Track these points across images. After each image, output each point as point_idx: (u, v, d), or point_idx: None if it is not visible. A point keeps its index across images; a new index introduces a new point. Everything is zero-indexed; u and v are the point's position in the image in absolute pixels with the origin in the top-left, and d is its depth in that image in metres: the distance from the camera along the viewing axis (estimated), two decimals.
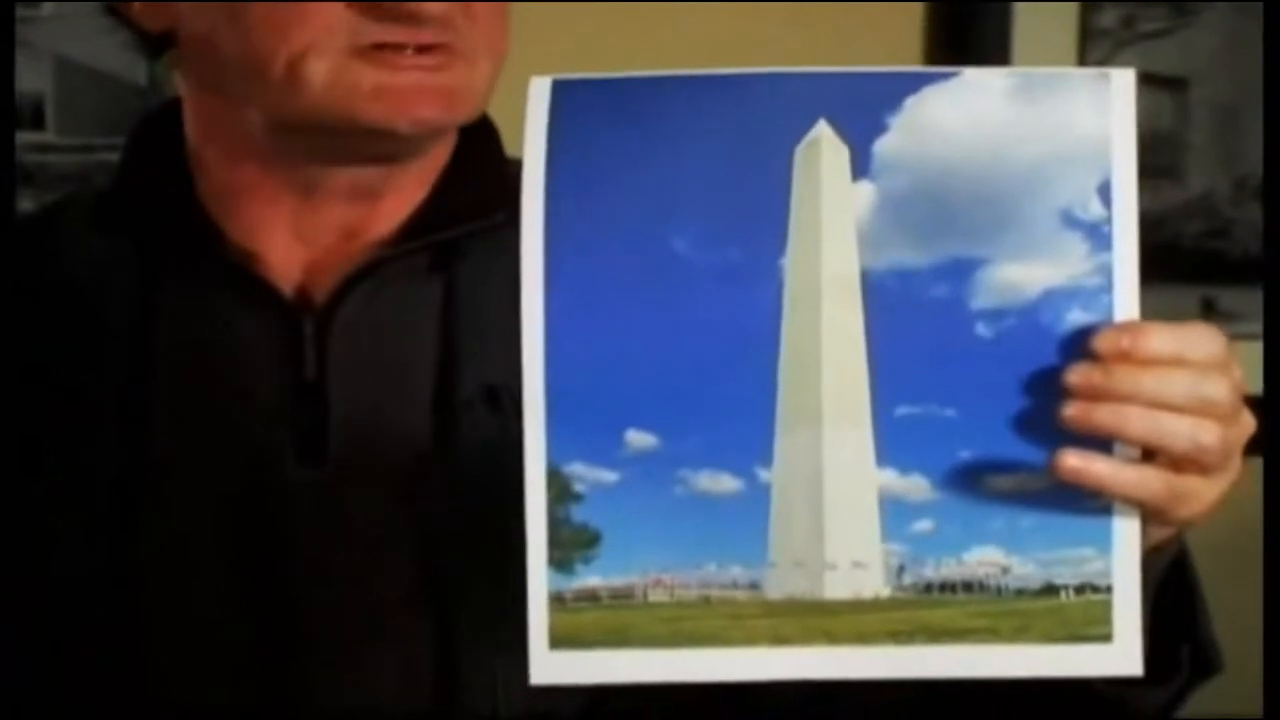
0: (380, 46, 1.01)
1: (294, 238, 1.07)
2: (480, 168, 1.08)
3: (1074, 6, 1.83)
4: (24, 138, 1.65)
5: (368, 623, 1.03)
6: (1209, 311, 1.87)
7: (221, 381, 1.05)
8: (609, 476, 0.90)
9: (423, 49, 1.01)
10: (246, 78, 1.03)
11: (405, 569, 1.03)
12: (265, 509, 1.04)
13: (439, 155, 1.09)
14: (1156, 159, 1.83)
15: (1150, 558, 0.93)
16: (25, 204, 1.57)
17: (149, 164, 1.10)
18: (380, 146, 1.04)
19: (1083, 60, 1.83)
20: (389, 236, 1.07)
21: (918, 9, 1.81)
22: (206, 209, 1.07)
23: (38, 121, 1.67)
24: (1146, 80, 1.86)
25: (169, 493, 1.04)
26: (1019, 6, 1.80)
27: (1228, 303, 1.87)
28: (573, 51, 1.69)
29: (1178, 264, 1.84)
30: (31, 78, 1.65)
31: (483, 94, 1.05)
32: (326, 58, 1.00)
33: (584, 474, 0.90)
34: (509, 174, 1.07)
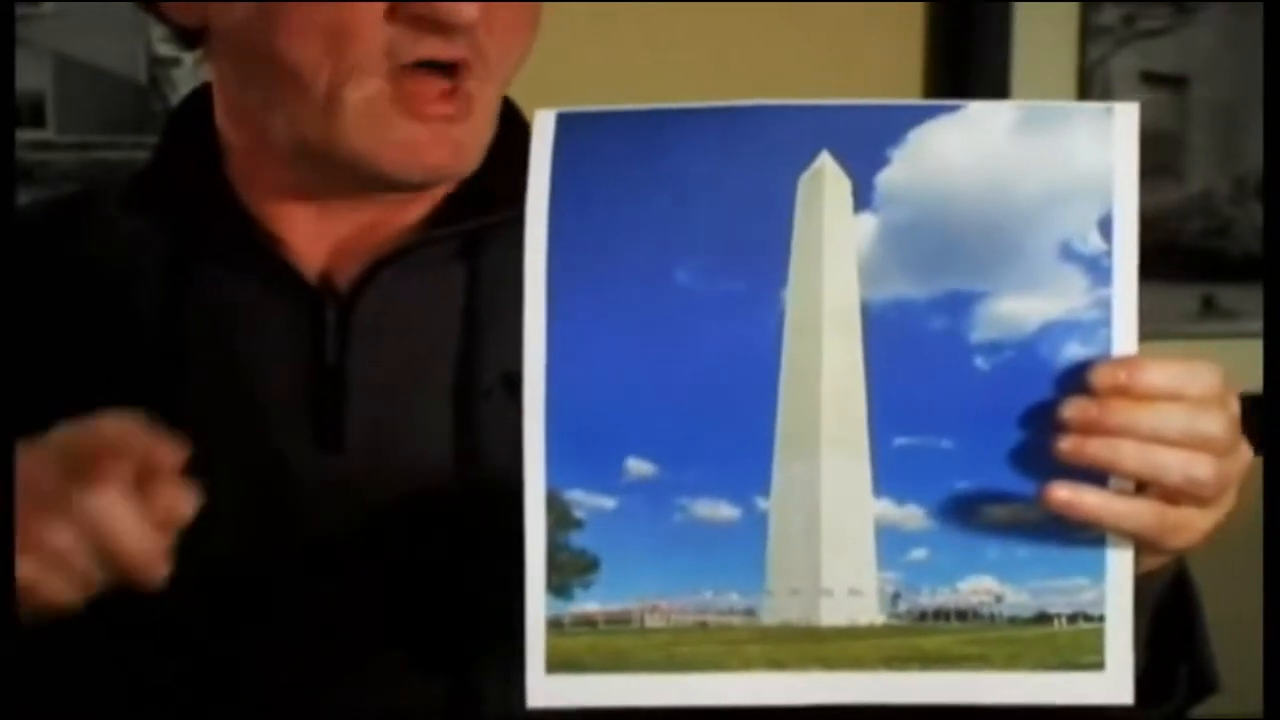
0: (413, 69, 1.01)
1: (318, 225, 1.08)
2: (507, 159, 1.09)
3: (1074, 6, 1.82)
4: (24, 135, 1.65)
5: (384, 610, 1.03)
6: (1209, 309, 1.87)
7: (243, 365, 1.06)
8: (608, 503, 0.90)
9: (445, 95, 1.02)
10: (281, 86, 1.03)
11: (423, 555, 1.03)
12: (283, 493, 1.04)
13: None
14: (1156, 158, 1.83)
15: (1146, 580, 0.93)
16: (25, 202, 1.56)
17: (183, 146, 1.10)
18: (391, 184, 1.06)
19: (1083, 58, 1.83)
20: (414, 225, 1.08)
21: (918, 9, 1.81)
22: (236, 192, 1.08)
23: (37, 119, 1.66)
24: (1147, 79, 1.86)
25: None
26: (1019, 6, 1.79)
27: (1227, 301, 1.87)
28: (570, 49, 1.68)
29: (1178, 262, 1.84)
30: (31, 75, 1.65)
31: (486, 139, 1.06)
32: (367, 84, 1.01)
33: (583, 500, 0.90)
34: None
